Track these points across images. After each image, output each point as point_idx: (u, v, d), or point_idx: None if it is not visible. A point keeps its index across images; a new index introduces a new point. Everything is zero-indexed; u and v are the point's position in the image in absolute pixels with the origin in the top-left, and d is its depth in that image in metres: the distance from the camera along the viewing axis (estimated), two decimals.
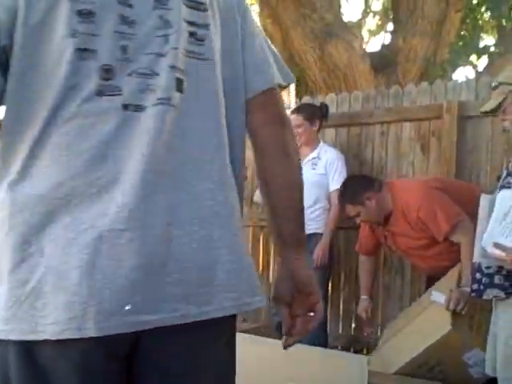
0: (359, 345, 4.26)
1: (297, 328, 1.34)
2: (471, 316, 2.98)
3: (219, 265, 1.13)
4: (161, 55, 1.14)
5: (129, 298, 1.04)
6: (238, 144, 1.28)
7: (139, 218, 1.07)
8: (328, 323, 4.36)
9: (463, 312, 2.93)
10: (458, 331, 2.88)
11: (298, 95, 4.93)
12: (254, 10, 8.27)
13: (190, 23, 1.18)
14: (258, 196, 4.08)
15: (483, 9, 6.41)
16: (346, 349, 4.33)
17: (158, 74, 1.13)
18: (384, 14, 9.22)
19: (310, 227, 4.00)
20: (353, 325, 4.47)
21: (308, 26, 6.00)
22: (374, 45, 6.65)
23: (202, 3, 1.21)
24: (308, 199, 4.01)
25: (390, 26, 7.14)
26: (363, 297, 3.86)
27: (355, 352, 4.26)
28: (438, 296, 3.10)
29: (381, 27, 9.68)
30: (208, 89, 1.19)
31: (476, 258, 2.42)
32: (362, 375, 2.42)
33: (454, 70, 7.29)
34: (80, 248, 1.04)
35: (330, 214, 4.01)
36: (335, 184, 3.98)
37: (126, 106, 1.10)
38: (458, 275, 3.12)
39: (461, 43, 6.44)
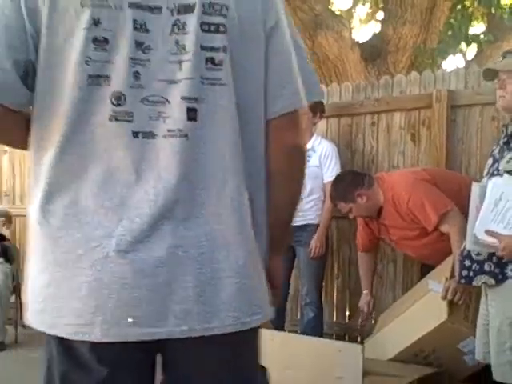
0: (354, 333, 4.31)
1: None
2: (467, 305, 3.03)
3: (222, 286, 1.19)
4: (173, 82, 1.18)
5: (131, 312, 1.15)
6: (257, 173, 1.31)
7: (142, 242, 1.15)
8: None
9: (460, 302, 2.98)
10: (454, 321, 2.93)
11: None
12: None
13: (208, 48, 1.19)
14: None
15: None
16: (340, 337, 4.38)
17: (169, 102, 1.18)
18: (374, 3, 9.22)
19: (305, 218, 4.05)
20: (347, 313, 4.52)
21: (298, 17, 6.01)
22: (364, 34, 6.65)
23: (220, 24, 1.20)
24: (304, 189, 4.06)
25: (381, 15, 7.15)
26: (364, 292, 3.91)
27: (349, 340, 4.32)
28: (435, 285, 3.14)
29: (371, 16, 9.69)
30: (224, 114, 1.21)
31: (468, 246, 2.45)
32: (358, 363, 2.46)
33: (443, 59, 7.32)
34: (88, 264, 1.15)
35: (324, 205, 4.05)
36: (330, 175, 4.01)
37: (136, 133, 1.17)
38: (452, 265, 3.16)
39: (450, 32, 6.46)
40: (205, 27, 1.18)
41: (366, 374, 2.61)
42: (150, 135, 1.17)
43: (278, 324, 4.05)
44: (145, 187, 1.17)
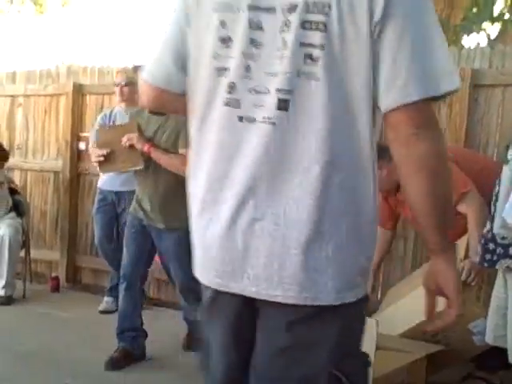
0: None
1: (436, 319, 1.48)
2: (479, 287, 3.04)
3: (289, 261, 1.35)
4: (273, 75, 1.33)
5: (216, 266, 1.43)
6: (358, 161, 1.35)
7: (233, 211, 1.38)
8: None
9: (473, 283, 2.99)
10: (466, 301, 2.93)
11: None
12: None
13: (306, 45, 1.29)
14: None
15: None
16: None
17: (269, 92, 1.34)
18: None
19: None
20: None
21: None
22: None
23: (320, 23, 1.27)
24: None
25: None
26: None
27: None
28: None
29: None
30: (317, 107, 1.30)
31: (495, 229, 2.45)
32: (372, 337, 2.47)
33: (467, 36, 7.19)
34: (201, 222, 1.47)
35: None
36: None
37: (241, 118, 1.37)
38: (466, 245, 3.18)
39: (475, 9, 6.34)
40: (305, 25, 1.29)
41: (375, 348, 2.63)
42: (251, 120, 1.35)
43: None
44: (240, 164, 1.37)
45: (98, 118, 4.90)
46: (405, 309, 3.30)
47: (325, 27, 1.27)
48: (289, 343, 1.40)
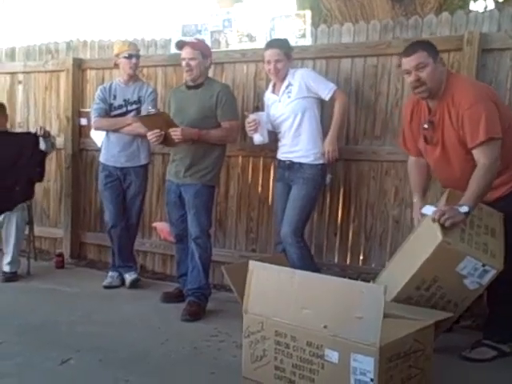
0: (367, 276, 4.29)
1: None
2: (462, 230, 2.99)
3: None
4: None
5: None
6: None
7: None
8: (336, 255, 4.41)
9: (447, 224, 2.94)
10: (450, 242, 2.90)
11: (313, 24, 4.74)
12: None
13: None
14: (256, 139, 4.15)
15: None
16: (353, 280, 4.36)
17: None
18: None
19: (296, 155, 4.04)
20: (361, 257, 4.49)
21: None
22: None
23: None
24: (292, 126, 4.00)
25: None
26: (414, 200, 3.65)
27: None
28: (427, 209, 3.15)
29: None
30: None
31: None
32: (379, 304, 2.42)
33: (474, 2, 7.04)
34: None
35: (336, 108, 3.98)
36: (329, 90, 3.97)
37: None
38: (447, 197, 3.22)
39: None
40: None
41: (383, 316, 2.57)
42: None
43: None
44: None
45: (98, 91, 4.83)
46: (397, 269, 3.28)
47: None
48: None
